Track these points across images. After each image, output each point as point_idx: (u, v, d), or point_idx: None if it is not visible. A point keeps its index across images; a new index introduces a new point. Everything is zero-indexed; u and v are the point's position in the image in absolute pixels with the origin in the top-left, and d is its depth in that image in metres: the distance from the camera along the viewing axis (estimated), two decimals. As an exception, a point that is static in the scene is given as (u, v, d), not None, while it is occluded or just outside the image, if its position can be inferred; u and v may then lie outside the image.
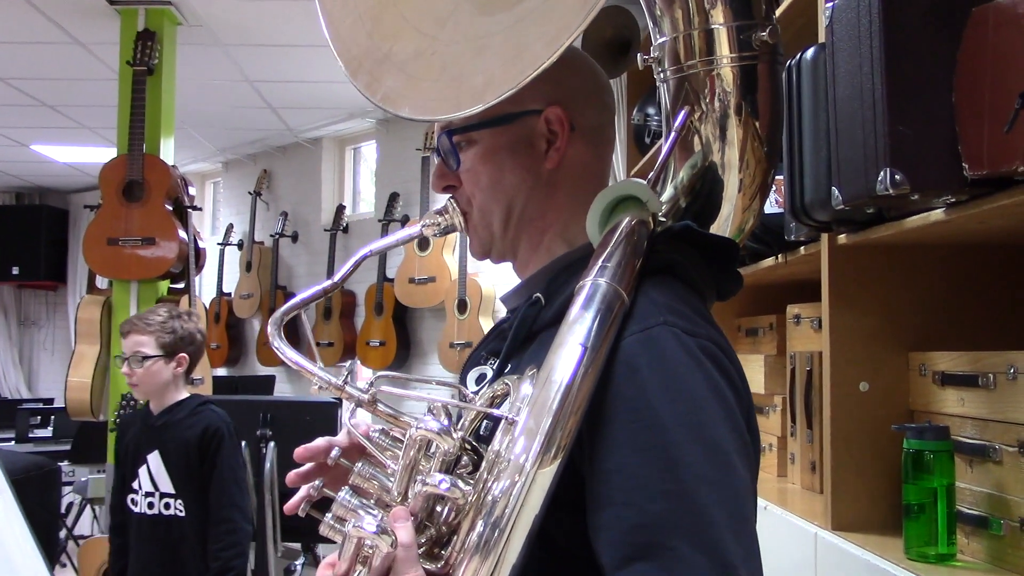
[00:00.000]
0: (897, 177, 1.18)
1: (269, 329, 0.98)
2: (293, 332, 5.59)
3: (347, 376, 0.94)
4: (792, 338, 2.16)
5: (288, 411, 3.63)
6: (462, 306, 5.63)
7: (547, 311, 1.00)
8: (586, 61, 1.11)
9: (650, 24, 1.11)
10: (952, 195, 1.21)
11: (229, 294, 7.50)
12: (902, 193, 1.18)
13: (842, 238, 1.61)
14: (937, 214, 1.29)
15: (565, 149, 1.05)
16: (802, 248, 1.83)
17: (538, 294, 1.02)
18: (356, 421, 1.00)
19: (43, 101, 6.23)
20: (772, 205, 1.97)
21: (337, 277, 1.02)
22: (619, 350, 0.87)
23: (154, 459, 2.90)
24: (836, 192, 1.35)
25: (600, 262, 0.90)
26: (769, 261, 2.05)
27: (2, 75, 5.66)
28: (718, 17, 1.06)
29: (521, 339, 1.01)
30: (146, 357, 2.85)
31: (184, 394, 2.99)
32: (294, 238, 7.32)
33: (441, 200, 1.12)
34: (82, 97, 6.08)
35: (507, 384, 0.91)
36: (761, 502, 2.00)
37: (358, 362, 6.24)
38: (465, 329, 5.60)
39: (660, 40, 1.10)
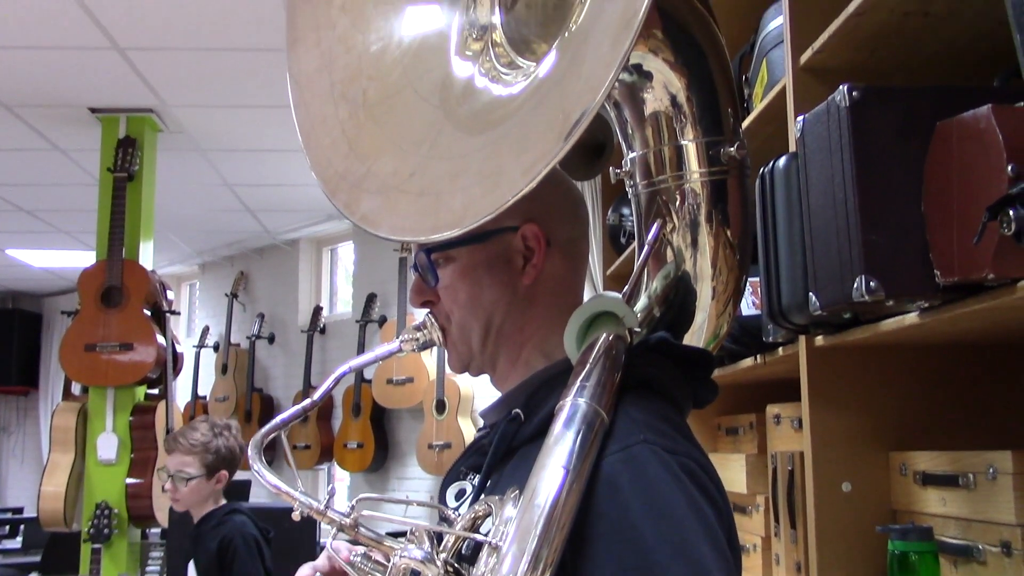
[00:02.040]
0: (872, 284, 1.20)
1: (250, 452, 0.97)
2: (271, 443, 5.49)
3: (328, 500, 0.93)
4: (773, 438, 2.16)
5: (266, 519, 3.56)
6: (440, 407, 5.60)
7: (527, 427, 1.00)
8: (560, 176, 1.13)
9: (621, 140, 1.14)
10: (925, 300, 1.23)
11: (205, 397, 7.41)
12: (877, 299, 1.20)
13: (819, 340, 1.62)
14: (911, 318, 1.31)
15: (542, 264, 1.06)
16: (780, 349, 1.85)
17: (517, 410, 1.02)
18: (337, 544, 0.99)
19: (20, 206, 6.25)
20: (750, 307, 1.99)
21: (316, 396, 1.02)
22: (600, 469, 0.87)
23: (191, 568, 2.97)
24: (813, 298, 1.37)
25: (579, 381, 0.90)
26: (748, 362, 2.06)
27: (-20, 182, 5.70)
28: (688, 134, 1.09)
29: (501, 455, 1.01)
30: (191, 478, 2.88)
31: (220, 502, 3.04)
32: (271, 340, 7.29)
33: (418, 311, 1.13)
34: (60, 202, 6.11)
35: (489, 505, 0.90)
36: (747, 607, 1.97)
37: (336, 469, 6.15)
38: (444, 430, 5.56)
39: (631, 155, 1.13)
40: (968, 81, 1.62)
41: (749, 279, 1.94)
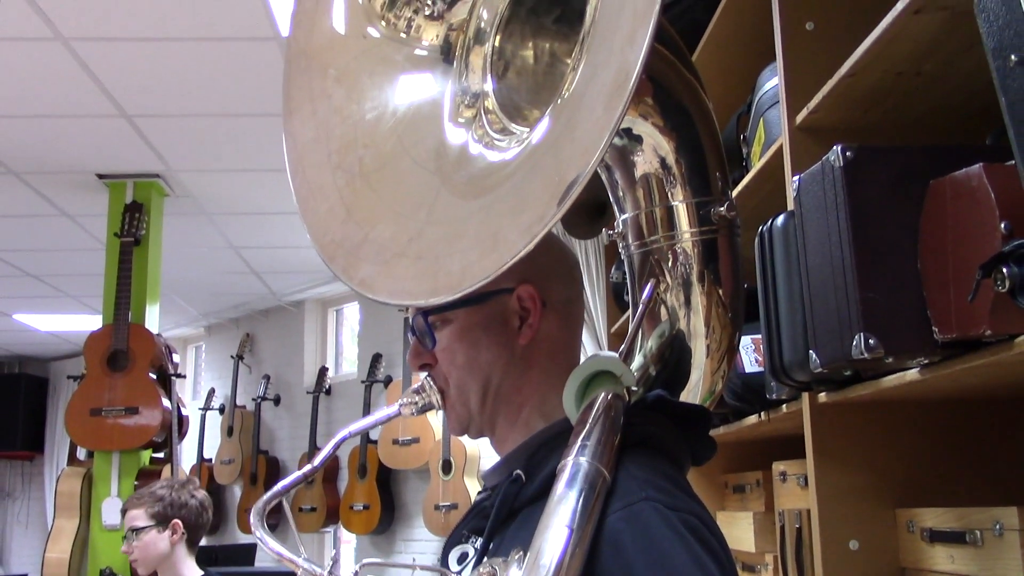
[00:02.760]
0: (871, 341, 1.20)
1: (252, 519, 0.97)
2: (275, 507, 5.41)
3: (332, 565, 0.93)
4: (780, 495, 2.14)
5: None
6: (447, 467, 5.56)
7: (528, 488, 1.00)
8: (554, 239, 1.15)
9: (613, 202, 1.16)
10: (925, 357, 1.23)
11: (210, 460, 7.38)
12: (877, 357, 1.20)
13: (822, 396, 1.62)
14: (912, 374, 1.31)
15: (538, 325, 1.07)
16: (784, 406, 1.85)
17: (519, 471, 1.02)
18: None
19: (27, 271, 6.30)
20: (753, 364, 1.99)
21: (317, 461, 1.02)
22: (604, 528, 0.88)
23: None
24: (814, 355, 1.37)
25: (580, 440, 0.91)
26: (752, 419, 2.06)
27: (-12, 248, 5.75)
28: (678, 195, 1.11)
29: (503, 517, 1.01)
30: (137, 530, 2.82)
31: (194, 570, 2.93)
32: (276, 401, 7.27)
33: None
34: (67, 266, 6.16)
35: (493, 568, 0.90)
36: (758, 670, 1.94)
37: (342, 531, 6.10)
38: (450, 490, 5.51)
39: (623, 217, 1.14)
40: (962, 139, 1.64)
41: (752, 336, 1.96)
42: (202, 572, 2.94)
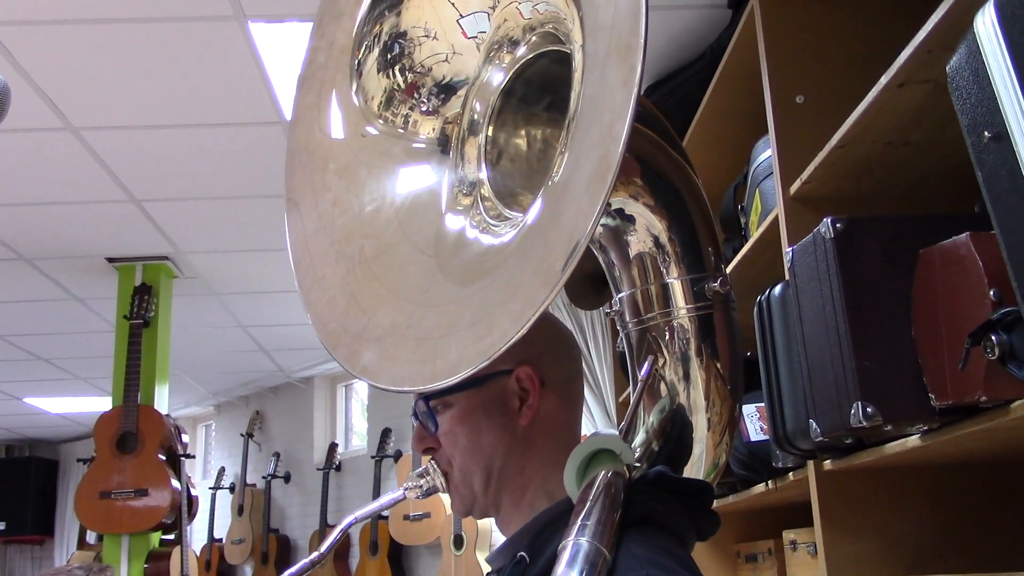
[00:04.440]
0: (869, 410, 1.21)
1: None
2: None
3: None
4: (791, 564, 2.12)
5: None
6: (458, 542, 5.51)
7: (532, 570, 1.00)
8: (551, 320, 1.17)
9: (609, 280, 1.18)
10: (923, 423, 1.24)
11: (221, 540, 7.31)
12: (875, 425, 1.22)
13: (827, 464, 1.62)
14: (913, 440, 1.32)
15: (537, 405, 1.08)
16: (790, 474, 1.85)
17: (523, 553, 1.02)
18: None
19: (38, 355, 6.33)
20: (758, 432, 2.00)
21: (324, 548, 1.03)
22: None
23: None
24: (814, 425, 1.38)
25: (580, 520, 0.91)
26: (760, 488, 2.05)
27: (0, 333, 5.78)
28: (672, 272, 1.13)
29: None
30: None
31: None
32: (287, 479, 7.23)
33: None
34: (77, 349, 6.18)
35: (500, 650, 0.90)
36: None
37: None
38: (463, 566, 5.45)
39: (620, 295, 1.17)
40: (953, 205, 1.67)
41: (757, 404, 1.97)
42: None
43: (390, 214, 1.11)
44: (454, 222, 1.10)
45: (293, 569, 1.02)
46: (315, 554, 1.01)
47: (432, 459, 1.11)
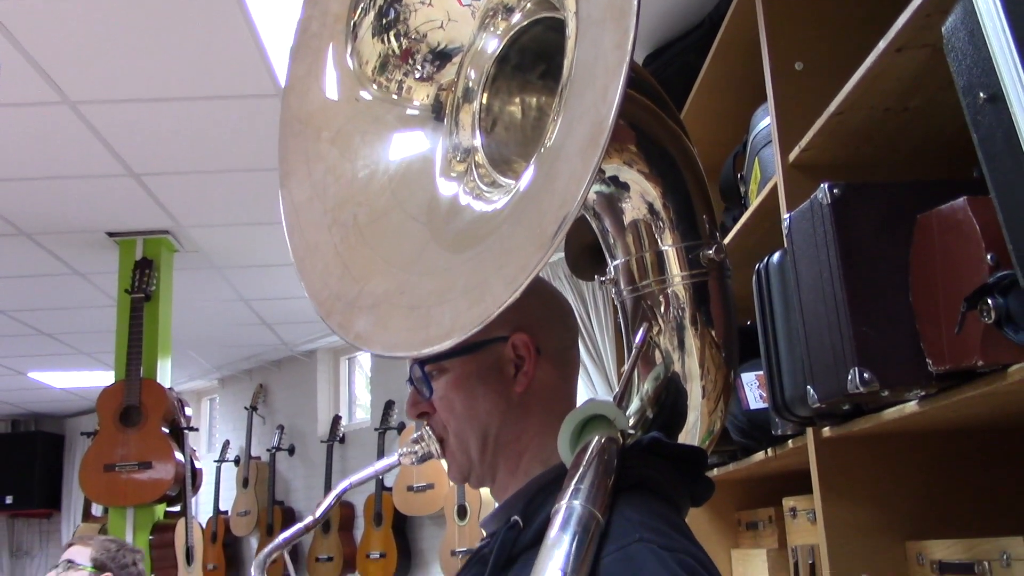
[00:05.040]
0: (866, 375, 1.21)
1: (253, 572, 0.98)
2: (292, 550, 5.40)
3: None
4: (791, 531, 2.13)
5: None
6: (462, 512, 5.54)
7: (526, 534, 1.01)
8: (547, 287, 1.16)
9: (604, 248, 1.17)
10: (921, 389, 1.24)
11: (226, 512, 7.36)
12: (872, 391, 1.21)
13: (826, 431, 1.62)
14: (911, 406, 1.32)
15: (533, 373, 1.08)
16: (790, 442, 1.85)
17: (516, 517, 1.02)
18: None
19: (40, 330, 6.34)
20: (757, 401, 2.00)
21: (319, 513, 1.03)
22: (598, 571, 0.87)
23: None
24: (811, 391, 1.38)
25: (573, 484, 0.91)
26: (759, 455, 2.06)
27: (2, 308, 5.79)
28: (667, 239, 1.12)
29: (502, 564, 1.01)
30: (73, 564, 2.83)
31: None
32: (291, 451, 7.27)
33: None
34: (80, 324, 6.20)
35: (492, 614, 0.91)
36: None
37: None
38: (466, 535, 5.48)
39: (615, 263, 1.16)
40: (953, 172, 1.65)
41: (756, 372, 1.97)
42: None
43: (383, 181, 1.11)
44: (447, 188, 1.10)
45: (287, 533, 1.03)
46: (309, 519, 1.02)
47: (427, 425, 1.12)
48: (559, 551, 0.85)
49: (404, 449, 1.11)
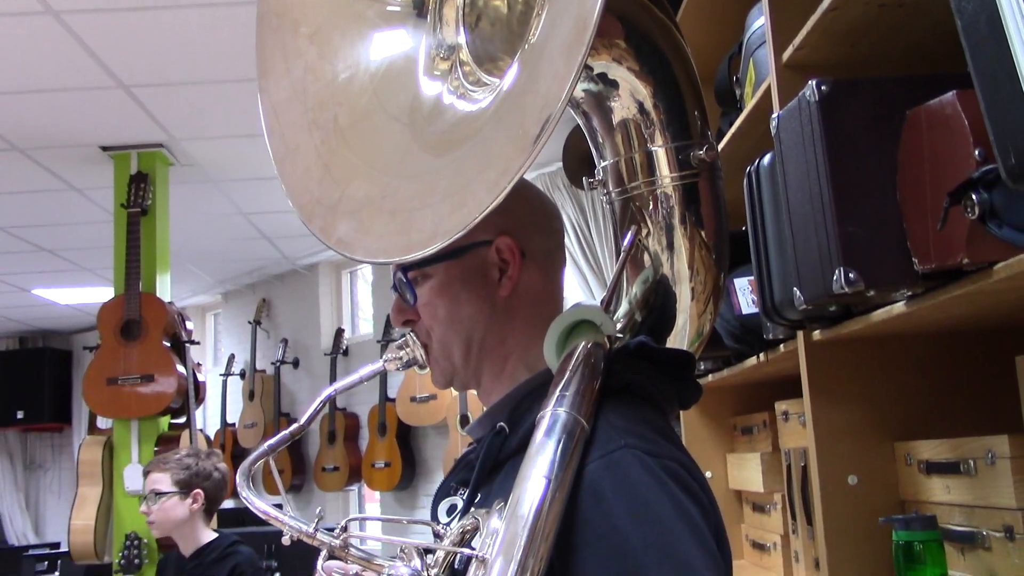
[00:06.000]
0: (851, 275, 1.20)
1: (237, 480, 0.99)
2: (299, 461, 5.51)
3: (317, 522, 0.94)
4: (783, 435, 2.16)
5: (294, 542, 3.59)
6: (464, 421, 5.61)
7: (512, 439, 1.01)
8: (532, 190, 1.15)
9: (593, 149, 1.16)
10: (908, 289, 1.23)
11: (234, 424, 7.47)
12: (858, 291, 1.21)
13: (816, 334, 1.62)
14: (899, 307, 1.31)
15: (518, 276, 1.07)
16: (781, 346, 1.85)
17: (502, 423, 1.03)
18: (330, 565, 1.00)
19: (42, 246, 6.35)
20: (750, 305, 2.00)
21: (303, 420, 1.04)
22: (583, 477, 0.88)
23: None
24: (798, 293, 1.38)
25: (558, 391, 0.91)
26: (752, 361, 2.06)
27: (1, 224, 5.78)
28: (657, 139, 1.10)
29: (488, 469, 1.01)
30: (160, 494, 2.89)
31: (210, 535, 2.99)
32: (295, 364, 7.34)
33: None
34: (80, 240, 6.20)
35: (476, 519, 0.91)
36: (766, 605, 1.97)
37: (366, 490, 6.18)
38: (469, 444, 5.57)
39: (603, 164, 1.14)
40: (948, 69, 1.62)
41: (749, 278, 1.96)
42: (216, 535, 3.00)
43: (364, 81, 1.08)
44: (431, 88, 1.08)
45: (272, 440, 1.03)
46: (294, 425, 1.02)
47: (411, 331, 1.11)
48: (543, 458, 0.85)
49: (389, 355, 1.11)
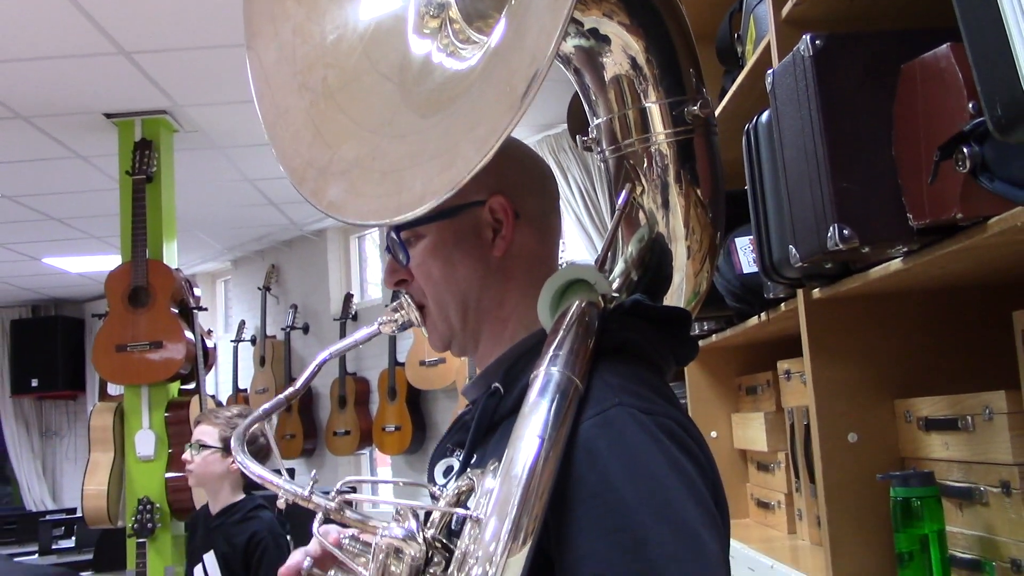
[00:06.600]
0: (846, 232, 1.20)
1: (232, 444, 0.99)
2: (311, 426, 5.54)
3: (312, 485, 0.95)
4: (785, 393, 2.16)
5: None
6: (473, 384, 5.64)
7: (507, 400, 1.00)
8: (525, 151, 1.14)
9: (586, 107, 1.15)
10: (903, 245, 1.23)
11: (245, 390, 7.53)
12: (852, 247, 1.20)
13: (816, 292, 1.62)
14: (896, 264, 1.31)
15: (511, 236, 1.06)
16: (782, 305, 1.85)
17: (497, 384, 1.02)
18: (326, 528, 1.01)
19: (50, 215, 6.36)
20: (750, 264, 1.99)
21: (298, 384, 1.04)
22: (577, 435, 0.88)
23: (210, 559, 2.98)
24: (793, 250, 1.37)
25: (552, 350, 0.90)
26: (754, 320, 2.06)
27: (9, 193, 5.80)
28: (650, 96, 1.09)
29: (484, 430, 1.01)
30: (205, 446, 2.93)
31: (239, 496, 3.04)
32: (305, 330, 7.37)
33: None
34: (88, 208, 6.21)
35: (471, 479, 0.92)
36: (768, 561, 1.99)
37: (377, 454, 6.22)
38: (478, 407, 5.59)
39: (596, 122, 1.14)
40: (950, 24, 1.60)
41: (749, 237, 1.96)
42: (243, 496, 3.04)
43: (354, 41, 1.07)
44: (420, 47, 1.07)
45: (267, 405, 1.04)
46: (289, 390, 1.03)
47: (406, 292, 1.11)
48: (536, 417, 0.85)
49: (384, 318, 1.11)
